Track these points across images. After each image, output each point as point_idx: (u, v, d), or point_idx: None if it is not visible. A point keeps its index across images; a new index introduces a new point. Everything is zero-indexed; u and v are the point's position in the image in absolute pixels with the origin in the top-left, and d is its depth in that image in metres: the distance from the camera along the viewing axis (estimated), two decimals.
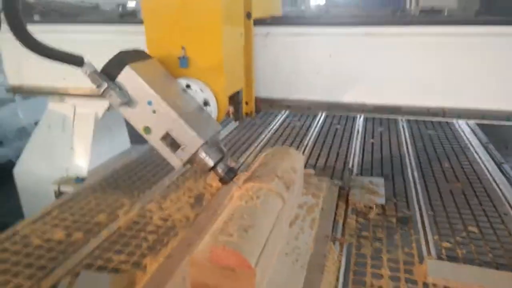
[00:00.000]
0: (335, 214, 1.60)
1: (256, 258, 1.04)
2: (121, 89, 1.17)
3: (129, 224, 1.54)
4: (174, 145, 1.23)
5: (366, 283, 1.21)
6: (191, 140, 1.22)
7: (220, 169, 1.29)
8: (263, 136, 2.62)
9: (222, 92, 1.41)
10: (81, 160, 2.13)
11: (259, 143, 2.49)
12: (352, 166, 2.11)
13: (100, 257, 1.33)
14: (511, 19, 1.50)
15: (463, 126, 2.82)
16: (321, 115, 3.03)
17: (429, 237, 1.46)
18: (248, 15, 1.64)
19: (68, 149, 2.14)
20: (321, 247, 1.36)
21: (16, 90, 2.17)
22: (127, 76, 1.18)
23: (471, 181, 1.94)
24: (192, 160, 1.26)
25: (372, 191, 1.77)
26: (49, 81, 2.10)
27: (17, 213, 2.21)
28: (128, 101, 1.19)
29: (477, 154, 2.32)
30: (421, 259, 1.32)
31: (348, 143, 2.47)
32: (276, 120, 2.94)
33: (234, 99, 1.60)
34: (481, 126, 2.79)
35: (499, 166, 2.15)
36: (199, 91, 1.37)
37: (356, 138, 2.56)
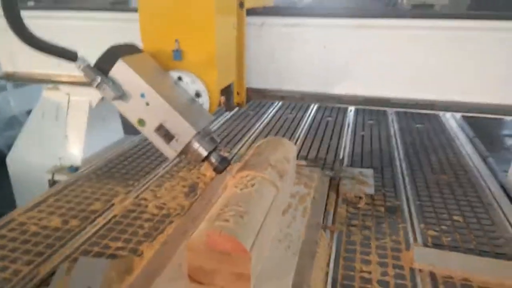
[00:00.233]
0: (326, 203, 1.64)
1: (251, 243, 1.07)
2: (114, 83, 1.19)
3: (124, 212, 1.56)
4: (168, 136, 1.26)
5: (356, 268, 1.27)
6: (184, 130, 1.25)
7: (213, 159, 1.33)
8: (255, 127, 2.65)
9: (215, 86, 1.44)
10: (75, 149, 2.14)
11: (252, 134, 2.53)
12: (343, 157, 2.16)
13: (97, 244, 1.36)
14: (501, 14, 1.55)
15: (450, 121, 2.89)
16: (313, 107, 3.08)
17: (416, 225, 1.52)
18: (241, 5, 1.66)
19: (62, 137, 2.15)
20: (312, 234, 1.41)
21: (10, 77, 2.17)
22: (120, 70, 1.20)
23: (457, 173, 2.01)
24: (186, 150, 1.29)
25: (362, 181, 1.83)
26: (43, 69, 2.11)
27: (9, 202, 2.22)
28: (122, 95, 1.21)
29: (463, 147, 2.39)
30: (408, 246, 1.38)
31: (339, 135, 2.51)
32: (268, 112, 2.98)
33: (226, 89, 1.63)
34: (467, 121, 2.86)
35: (484, 159, 2.22)
36: (191, 83, 1.40)
37: (347, 131, 2.61)
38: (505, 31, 1.55)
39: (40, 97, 2.24)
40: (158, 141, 1.27)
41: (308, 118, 2.85)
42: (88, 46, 1.22)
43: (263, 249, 1.20)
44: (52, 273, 1.21)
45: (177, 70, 1.40)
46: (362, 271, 1.25)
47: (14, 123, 3.51)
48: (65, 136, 2.16)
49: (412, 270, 1.26)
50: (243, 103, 1.85)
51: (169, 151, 1.28)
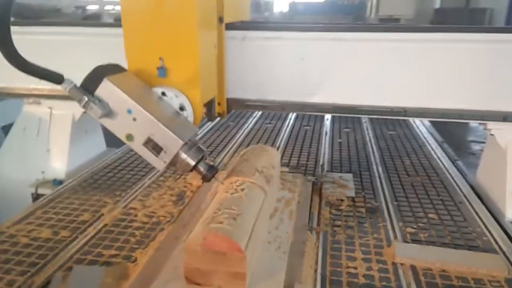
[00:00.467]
0: (310, 206, 1.72)
1: (246, 243, 1.13)
2: (101, 101, 1.25)
3: (114, 221, 1.59)
4: (156, 148, 1.31)
5: (342, 264, 1.34)
6: (171, 142, 1.31)
7: (201, 168, 1.38)
8: (237, 137, 2.72)
9: (198, 101, 1.50)
10: (58, 163, 2.14)
11: (234, 144, 2.59)
12: (323, 163, 2.25)
13: (89, 253, 1.38)
14: (462, 26, 1.70)
15: (420, 127, 3.05)
16: (291, 117, 3.18)
17: (395, 224, 1.61)
18: (220, 20, 1.74)
19: (44, 151, 2.15)
20: (300, 235, 1.48)
21: None
22: (106, 88, 1.26)
23: (429, 175, 2.13)
24: (174, 161, 1.34)
25: (343, 185, 1.92)
26: (24, 83, 2.11)
27: None
28: (108, 112, 1.26)
29: (434, 151, 2.53)
30: (389, 243, 1.47)
31: (318, 143, 2.61)
32: (248, 123, 3.05)
33: (208, 100, 1.69)
34: (436, 128, 3.03)
35: (453, 162, 2.37)
36: (174, 97, 1.45)
37: (325, 138, 2.71)
38: (464, 42, 1.70)
39: (20, 112, 2.23)
40: (147, 154, 1.32)
41: (287, 127, 2.94)
42: (59, 61, 1.26)
43: (255, 249, 1.25)
44: (47, 283, 1.22)
45: (161, 86, 1.45)
46: (348, 267, 1.33)
47: None
48: (47, 150, 2.15)
49: (394, 264, 1.34)
50: (224, 113, 1.92)
51: (159, 163, 1.33)
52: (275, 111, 2.66)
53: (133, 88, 1.35)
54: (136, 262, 1.32)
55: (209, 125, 2.93)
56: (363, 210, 1.72)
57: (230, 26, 1.82)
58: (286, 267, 1.28)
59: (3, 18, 1.07)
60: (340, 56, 1.79)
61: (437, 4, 10.34)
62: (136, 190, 1.87)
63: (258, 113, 3.27)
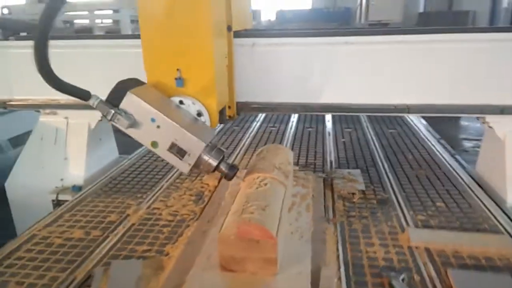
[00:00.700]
0: (325, 200, 1.82)
1: (276, 230, 1.22)
2: (126, 113, 1.35)
3: (141, 221, 1.66)
4: (181, 152, 1.40)
5: (362, 250, 1.43)
6: (195, 145, 1.40)
7: (223, 167, 1.48)
8: (244, 141, 2.81)
9: (215, 109, 1.60)
10: (76, 170, 2.21)
11: (242, 147, 2.69)
12: (332, 161, 2.35)
13: (123, 249, 1.46)
14: (460, 28, 1.82)
15: (418, 125, 3.17)
16: (293, 120, 3.29)
17: (406, 212, 1.71)
18: (229, 28, 1.85)
19: (62, 159, 2.22)
20: (319, 225, 1.57)
21: (5, 104, 2.23)
22: (130, 101, 1.36)
23: (432, 168, 2.25)
24: (198, 163, 1.43)
25: (352, 180, 2.02)
26: (40, 95, 2.19)
27: (9, 230, 2.23)
28: (133, 123, 1.36)
29: (434, 147, 2.65)
30: (402, 229, 1.56)
31: (323, 143, 2.72)
32: (252, 127, 3.15)
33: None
34: (433, 126, 3.16)
35: (453, 156, 2.49)
36: (192, 104, 1.56)
37: (329, 139, 2.82)
38: (462, 43, 1.83)
39: (37, 123, 2.30)
40: (172, 159, 1.42)
41: (291, 130, 3.04)
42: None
43: (282, 237, 1.34)
44: (88, 277, 1.30)
45: (178, 96, 1.55)
46: (367, 252, 1.42)
47: None
48: (65, 158, 2.22)
49: (410, 248, 1.44)
50: (234, 116, 2.02)
51: (184, 165, 1.42)
52: (284, 112, 2.76)
53: (154, 99, 1.46)
54: (169, 256, 1.40)
55: (216, 130, 3.02)
56: (374, 201, 1.82)
57: (240, 34, 1.93)
58: (311, 253, 1.37)
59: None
60: (345, 59, 1.91)
61: (421, 8, 10.64)
62: (156, 192, 1.95)
63: (261, 117, 3.37)
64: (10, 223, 2.31)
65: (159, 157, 1.43)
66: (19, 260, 1.40)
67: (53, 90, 1.25)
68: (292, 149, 2.62)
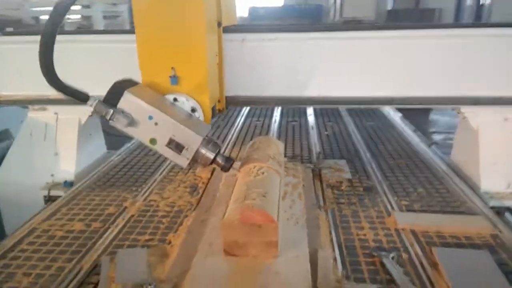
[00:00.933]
0: (315, 189, 1.91)
1: (276, 215, 1.31)
2: (124, 112, 1.39)
3: (139, 212, 1.71)
4: (179, 147, 1.46)
5: (353, 233, 1.54)
6: (192, 139, 1.46)
7: (220, 160, 1.54)
8: (230, 135, 2.88)
9: (208, 105, 1.66)
10: (67, 165, 2.22)
11: (229, 141, 2.75)
12: (318, 153, 2.45)
13: (126, 239, 1.50)
14: (419, 24, 1.93)
15: (395, 118, 3.32)
16: (276, 114, 3.37)
17: (390, 198, 1.83)
18: (219, 24, 1.91)
19: (52, 155, 2.22)
20: (312, 212, 1.66)
21: None
22: (127, 100, 1.41)
23: (411, 157, 2.38)
24: (195, 157, 1.49)
25: (339, 169, 2.13)
26: (29, 91, 2.19)
27: None
28: (132, 121, 1.41)
29: (411, 138, 2.79)
30: (389, 213, 1.68)
31: (307, 136, 2.82)
32: (237, 121, 3.22)
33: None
34: (407, 118, 3.32)
35: (429, 146, 2.63)
36: (186, 101, 1.61)
37: (312, 132, 2.92)
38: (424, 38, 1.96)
39: (25, 118, 2.29)
40: (170, 154, 1.47)
41: (275, 124, 3.13)
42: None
43: (281, 222, 1.42)
44: (95, 266, 1.34)
45: (172, 93, 1.60)
46: (358, 235, 1.53)
47: None
48: (55, 153, 2.22)
49: (396, 230, 1.56)
50: (223, 110, 2.08)
51: (182, 159, 1.48)
52: (272, 105, 2.84)
53: (149, 97, 1.51)
54: (172, 244, 1.46)
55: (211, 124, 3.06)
56: (361, 189, 1.93)
57: (230, 30, 1.99)
58: (307, 237, 1.46)
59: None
60: (332, 53, 2.00)
61: (389, 6, 10.98)
62: (151, 185, 1.99)
63: (245, 111, 3.44)
64: None
65: (150, 151, 1.49)
66: (22, 253, 1.42)
67: (43, 86, 1.29)
68: None
